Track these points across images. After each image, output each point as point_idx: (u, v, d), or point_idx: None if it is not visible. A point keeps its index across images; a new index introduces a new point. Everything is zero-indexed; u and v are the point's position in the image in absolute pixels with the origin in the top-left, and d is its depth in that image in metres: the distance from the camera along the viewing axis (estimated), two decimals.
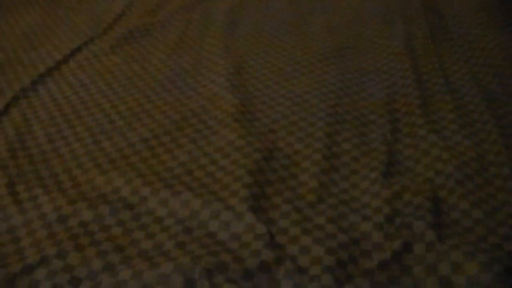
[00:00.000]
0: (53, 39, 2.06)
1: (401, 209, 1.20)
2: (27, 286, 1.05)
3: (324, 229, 1.15)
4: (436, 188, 1.25)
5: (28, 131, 1.53)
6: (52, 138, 1.50)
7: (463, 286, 1.01)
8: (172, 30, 2.10)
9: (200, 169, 1.34)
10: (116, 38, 2.03)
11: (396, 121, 1.50)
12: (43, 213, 1.22)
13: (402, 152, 1.39)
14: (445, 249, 1.07)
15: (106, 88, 1.71)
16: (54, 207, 1.23)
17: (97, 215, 1.21)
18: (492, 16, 2.06)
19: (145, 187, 1.26)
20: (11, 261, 1.11)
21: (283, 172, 1.32)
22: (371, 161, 1.35)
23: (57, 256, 1.10)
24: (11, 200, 1.26)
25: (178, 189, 1.25)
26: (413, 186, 1.25)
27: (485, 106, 1.52)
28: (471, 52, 1.81)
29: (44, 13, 2.30)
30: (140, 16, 2.23)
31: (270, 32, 2.04)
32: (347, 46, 1.91)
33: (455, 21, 2.02)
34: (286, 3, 2.31)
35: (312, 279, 1.04)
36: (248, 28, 2.09)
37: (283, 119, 1.51)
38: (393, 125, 1.48)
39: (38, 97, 1.69)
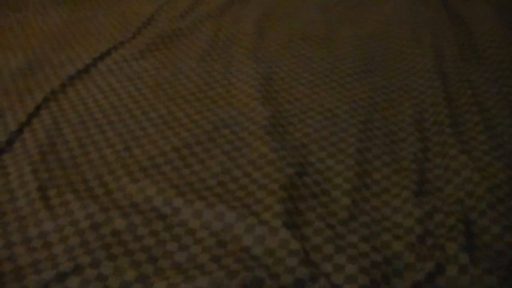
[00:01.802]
0: (82, 41, 2.06)
1: (433, 229, 1.20)
2: None
3: (356, 247, 1.15)
4: (467, 210, 1.24)
5: (58, 134, 1.53)
6: (82, 143, 1.50)
7: None
8: (201, 37, 2.10)
9: (233, 181, 1.34)
10: (145, 42, 2.03)
11: (426, 139, 1.50)
12: (75, 219, 1.22)
13: (432, 171, 1.38)
14: (479, 273, 1.07)
15: (136, 94, 1.72)
16: (86, 214, 1.23)
17: (129, 224, 1.21)
18: None
19: (178, 197, 1.26)
20: (43, 268, 1.11)
21: (315, 187, 1.32)
22: (402, 180, 1.35)
23: (91, 265, 1.10)
24: (43, 205, 1.26)
25: (212, 201, 1.25)
26: (444, 207, 1.25)
27: None
28: (500, 72, 1.80)
29: (72, 13, 2.30)
30: (169, 21, 2.23)
31: (298, 43, 2.03)
32: (376, 61, 1.90)
33: (484, 39, 2.02)
34: (316, 12, 2.31)
35: None
36: (277, 37, 2.09)
37: (314, 134, 1.51)
38: (423, 143, 1.48)
39: (68, 99, 1.69)
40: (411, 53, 1.95)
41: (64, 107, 1.66)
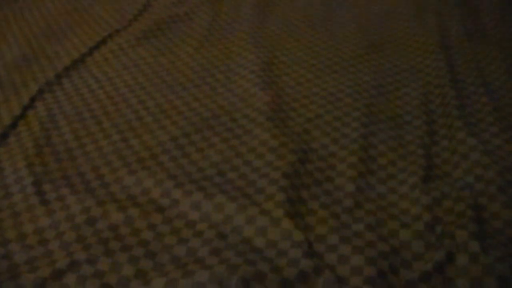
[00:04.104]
0: (78, 31, 2.02)
1: (441, 216, 1.15)
2: None
3: (363, 236, 1.11)
4: (476, 195, 1.20)
5: (53, 126, 1.49)
6: (78, 135, 1.46)
7: None
8: (199, 22, 2.06)
9: (233, 170, 1.29)
10: (141, 30, 1.99)
11: (432, 122, 1.45)
12: (71, 214, 1.19)
13: (440, 155, 1.34)
14: (490, 261, 1.03)
15: (133, 83, 1.67)
16: (82, 208, 1.19)
17: (127, 217, 1.17)
18: None
19: (176, 189, 1.23)
20: (39, 265, 1.08)
21: (318, 175, 1.28)
22: (408, 165, 1.30)
23: (87, 261, 1.07)
24: (38, 200, 1.23)
25: (211, 192, 1.21)
26: (453, 193, 1.20)
27: None
28: (508, 50, 1.76)
29: (68, 4, 2.26)
30: (166, 7, 2.19)
31: (299, 27, 1.99)
32: (379, 42, 1.85)
33: (490, 17, 1.97)
34: None
35: None
36: (277, 21, 2.04)
37: (317, 119, 1.47)
38: (430, 126, 1.43)
39: (63, 90, 1.66)
40: (415, 33, 1.90)
41: (60, 98, 1.62)
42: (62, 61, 1.80)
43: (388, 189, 1.25)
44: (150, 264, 1.07)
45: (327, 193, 1.23)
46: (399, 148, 1.36)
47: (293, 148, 1.33)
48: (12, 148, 1.42)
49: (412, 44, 1.83)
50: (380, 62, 1.73)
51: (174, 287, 1.00)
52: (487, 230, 1.12)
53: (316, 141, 1.39)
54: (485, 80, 1.61)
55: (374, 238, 1.10)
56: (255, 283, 0.99)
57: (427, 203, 1.18)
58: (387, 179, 1.28)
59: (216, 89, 1.62)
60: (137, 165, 1.33)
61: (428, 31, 1.89)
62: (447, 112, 1.47)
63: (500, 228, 1.12)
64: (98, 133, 1.46)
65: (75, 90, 1.65)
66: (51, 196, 1.25)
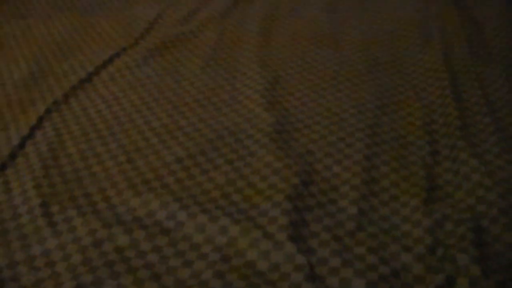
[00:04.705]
0: (85, 49, 2.03)
1: (443, 239, 1.16)
2: None
3: (364, 260, 1.12)
4: (478, 217, 1.21)
5: (61, 147, 1.51)
6: (85, 156, 1.47)
7: None
8: (204, 41, 2.07)
9: (237, 192, 1.31)
10: (148, 48, 2.00)
11: (435, 142, 1.46)
12: (78, 236, 1.20)
13: (442, 176, 1.35)
14: (491, 285, 1.04)
15: (139, 102, 1.69)
16: (88, 231, 1.21)
17: (132, 240, 1.19)
18: None
19: (182, 211, 1.24)
20: (47, 287, 1.10)
21: (321, 197, 1.29)
22: (411, 187, 1.31)
23: (93, 283, 1.08)
24: (46, 222, 1.25)
25: (215, 214, 1.23)
26: (455, 215, 1.22)
27: None
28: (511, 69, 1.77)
29: (75, 21, 2.27)
30: (172, 25, 2.20)
31: (304, 44, 2.00)
32: (383, 61, 1.86)
33: (494, 34, 1.97)
34: (321, 11, 2.27)
35: None
36: (282, 38, 2.05)
37: (321, 140, 1.48)
38: (432, 147, 1.44)
39: (71, 110, 1.67)
40: (419, 51, 1.91)
41: (67, 118, 1.63)
42: (69, 80, 1.81)
43: (390, 211, 1.26)
44: (155, 287, 1.08)
45: (330, 215, 1.24)
46: (402, 169, 1.37)
47: (296, 170, 1.35)
48: (20, 168, 1.43)
49: (416, 63, 1.84)
50: (384, 81, 1.74)
51: None
52: (488, 253, 1.13)
53: (319, 163, 1.40)
54: (488, 99, 1.61)
55: (376, 261, 1.11)
56: None
57: (428, 226, 1.19)
58: (390, 201, 1.29)
59: (221, 109, 1.63)
60: (142, 186, 1.34)
61: (432, 50, 1.89)
62: (450, 132, 1.48)
63: (501, 251, 1.13)
64: (105, 153, 1.48)
65: (82, 110, 1.67)
66: (59, 218, 1.26)
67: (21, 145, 1.52)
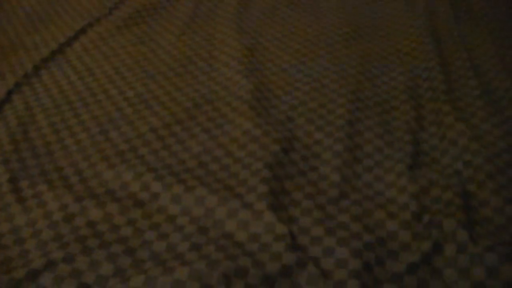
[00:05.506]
0: (57, 21, 1.97)
1: (429, 205, 1.12)
2: None
3: (348, 228, 1.07)
4: (465, 182, 1.17)
5: (31, 120, 1.45)
6: (56, 128, 1.42)
7: None
8: (181, 9, 2.01)
9: (214, 161, 1.26)
10: (122, 18, 1.94)
11: (420, 107, 1.42)
12: (48, 211, 1.15)
13: (427, 141, 1.31)
14: (479, 251, 0.99)
15: (113, 73, 1.63)
16: (60, 205, 1.16)
17: (105, 213, 1.13)
18: None
19: (156, 182, 1.19)
20: (15, 266, 1.04)
21: (302, 164, 1.24)
22: (395, 152, 1.27)
23: (64, 260, 1.03)
24: (14, 198, 1.19)
25: (191, 184, 1.17)
26: (441, 180, 1.17)
27: None
28: (497, 32, 1.72)
29: None
30: None
31: (283, 11, 1.95)
32: (365, 26, 1.81)
33: None
34: None
35: (338, 285, 0.97)
36: (261, 6, 2.00)
37: (301, 106, 1.43)
38: (417, 112, 1.40)
39: (42, 83, 1.61)
40: (402, 16, 1.86)
41: (38, 91, 1.57)
42: (40, 53, 1.75)
43: (374, 177, 1.22)
44: (129, 261, 1.04)
45: (311, 183, 1.20)
46: (386, 135, 1.33)
47: (276, 137, 1.30)
48: None
49: (399, 27, 1.79)
50: (366, 47, 1.70)
51: (153, 285, 0.96)
52: (475, 218, 1.09)
53: (300, 129, 1.35)
54: (473, 63, 1.57)
55: (360, 229, 1.07)
56: (236, 279, 0.96)
57: (414, 192, 1.15)
58: (374, 167, 1.25)
59: (198, 77, 1.58)
60: (116, 158, 1.29)
61: (416, 14, 1.85)
62: (435, 97, 1.44)
63: (489, 216, 1.10)
64: (77, 126, 1.42)
65: (54, 82, 1.61)
66: (28, 193, 1.21)
67: None
